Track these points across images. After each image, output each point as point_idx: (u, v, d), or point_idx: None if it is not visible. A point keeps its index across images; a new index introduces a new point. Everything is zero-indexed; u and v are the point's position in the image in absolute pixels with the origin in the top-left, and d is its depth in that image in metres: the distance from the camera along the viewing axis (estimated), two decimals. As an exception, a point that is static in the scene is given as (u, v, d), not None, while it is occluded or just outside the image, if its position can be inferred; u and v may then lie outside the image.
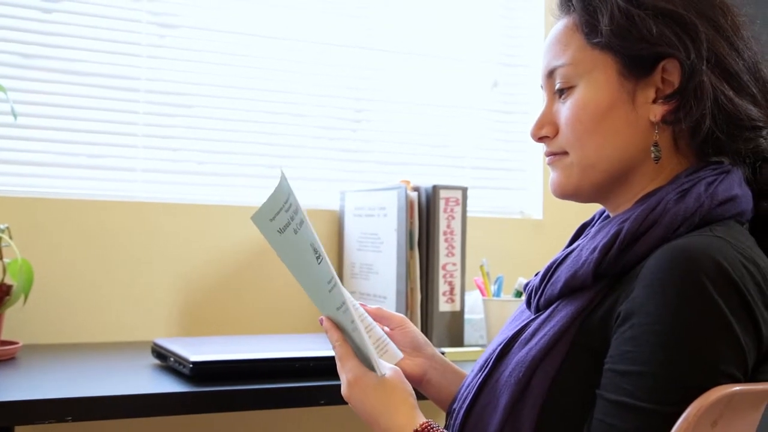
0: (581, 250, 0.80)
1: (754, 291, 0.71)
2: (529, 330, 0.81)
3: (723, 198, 0.77)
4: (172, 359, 1.09)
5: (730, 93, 0.78)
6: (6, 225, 1.24)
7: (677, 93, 0.78)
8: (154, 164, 1.53)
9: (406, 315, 1.35)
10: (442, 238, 1.37)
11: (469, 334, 1.44)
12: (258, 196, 1.59)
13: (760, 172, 0.83)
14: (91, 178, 1.48)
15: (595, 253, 0.77)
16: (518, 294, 1.38)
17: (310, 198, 1.63)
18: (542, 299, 0.83)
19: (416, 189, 1.39)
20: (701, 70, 0.77)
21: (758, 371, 0.72)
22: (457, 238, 1.38)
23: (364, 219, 1.50)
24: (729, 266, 0.70)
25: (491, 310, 1.37)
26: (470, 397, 0.82)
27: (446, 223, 1.38)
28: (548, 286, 0.82)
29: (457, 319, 1.39)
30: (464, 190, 1.40)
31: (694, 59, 0.77)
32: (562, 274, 0.81)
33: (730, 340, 0.69)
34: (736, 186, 0.79)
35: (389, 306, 1.39)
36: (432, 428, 0.79)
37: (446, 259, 1.38)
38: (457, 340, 1.38)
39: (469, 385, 0.85)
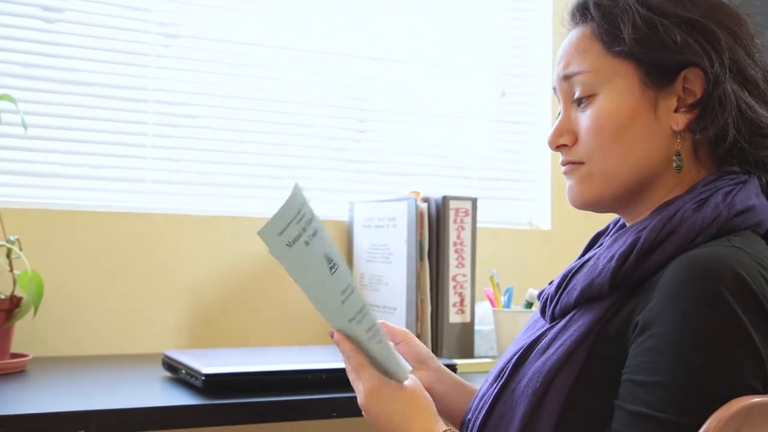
0: (597, 258, 0.80)
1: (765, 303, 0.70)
2: (545, 339, 0.80)
3: (741, 208, 0.76)
4: (183, 371, 1.09)
5: (752, 101, 0.79)
6: (16, 237, 1.24)
7: (701, 102, 0.78)
8: (163, 175, 1.53)
9: (416, 327, 1.35)
10: (452, 249, 1.37)
11: (478, 346, 1.43)
12: (267, 206, 1.60)
13: None
14: (101, 189, 1.48)
15: (612, 262, 0.77)
16: (528, 305, 1.37)
17: (318, 209, 1.62)
18: (558, 308, 0.82)
19: (426, 200, 1.39)
20: (724, 78, 0.77)
21: None
22: (467, 249, 1.38)
23: (373, 230, 1.50)
24: (748, 276, 0.69)
25: (501, 321, 1.37)
26: (486, 408, 0.81)
27: (456, 233, 1.37)
28: (564, 294, 0.82)
29: (467, 330, 1.38)
30: (474, 200, 1.40)
31: (718, 68, 0.77)
32: (578, 283, 0.80)
33: (750, 351, 0.68)
34: (753, 196, 0.79)
35: (399, 317, 1.39)
36: None
37: (456, 270, 1.38)
38: (467, 351, 1.38)
39: (484, 395, 0.84)
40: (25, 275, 1.22)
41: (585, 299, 0.79)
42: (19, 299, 1.21)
